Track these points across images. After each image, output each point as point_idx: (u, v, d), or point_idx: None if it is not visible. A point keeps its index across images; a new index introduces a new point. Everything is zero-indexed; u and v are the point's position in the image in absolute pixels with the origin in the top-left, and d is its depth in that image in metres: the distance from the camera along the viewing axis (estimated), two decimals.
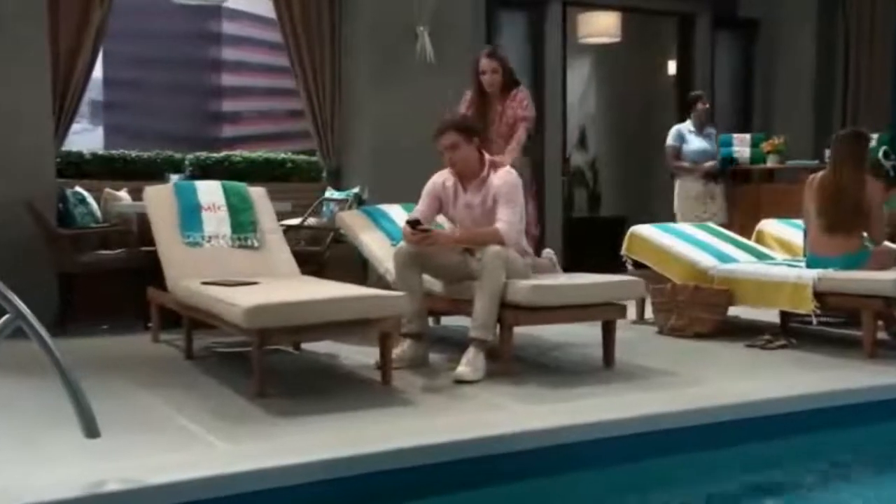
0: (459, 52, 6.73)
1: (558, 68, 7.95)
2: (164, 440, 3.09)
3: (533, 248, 4.69)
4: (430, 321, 5.34)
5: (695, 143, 7.29)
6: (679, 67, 8.89)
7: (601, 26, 8.82)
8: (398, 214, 5.10)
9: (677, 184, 7.37)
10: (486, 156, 4.39)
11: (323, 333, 3.92)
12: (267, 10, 6.91)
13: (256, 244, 4.82)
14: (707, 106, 7.45)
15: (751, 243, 5.90)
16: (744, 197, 7.70)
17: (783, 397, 3.71)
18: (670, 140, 7.32)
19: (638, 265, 5.72)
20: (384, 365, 3.84)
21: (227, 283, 4.14)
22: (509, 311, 4.03)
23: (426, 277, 4.34)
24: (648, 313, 5.52)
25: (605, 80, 10.31)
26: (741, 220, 7.17)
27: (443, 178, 4.45)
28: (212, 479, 2.67)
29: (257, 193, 5.11)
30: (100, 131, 22.09)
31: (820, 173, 5.02)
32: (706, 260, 5.37)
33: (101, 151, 6.66)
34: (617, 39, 8.97)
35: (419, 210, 4.45)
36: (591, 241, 7.89)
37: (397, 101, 6.59)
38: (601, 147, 10.43)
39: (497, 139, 5.02)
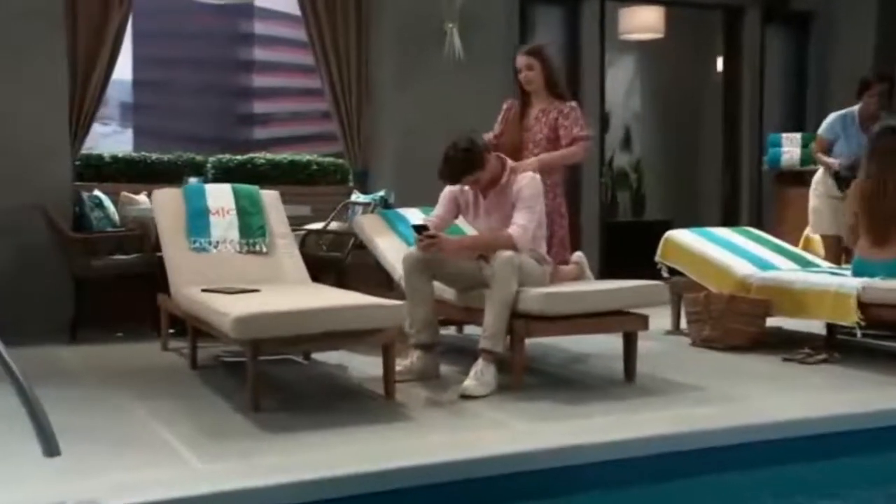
0: (490, 50, 6.50)
1: (596, 66, 7.64)
2: (141, 457, 2.94)
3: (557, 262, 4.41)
4: (452, 330, 5.14)
5: (853, 140, 5.69)
6: (726, 64, 8.51)
7: (643, 22, 8.49)
8: (417, 218, 4.89)
9: (818, 177, 5.94)
10: (508, 161, 4.17)
11: (320, 344, 3.74)
12: (298, 8, 6.73)
13: (265, 249, 4.66)
14: (875, 96, 5.68)
15: (795, 249, 5.56)
16: (793, 201, 7.30)
17: (817, 417, 3.43)
18: (822, 130, 5.88)
19: (674, 272, 5.42)
20: (386, 377, 3.64)
21: (227, 291, 4.00)
22: (520, 321, 3.79)
23: (438, 285, 4.13)
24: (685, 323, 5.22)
25: (650, 78, 9.97)
26: (789, 225, 6.79)
27: None
28: (180, 501, 2.49)
29: (269, 197, 4.95)
30: (129, 133, 22.29)
31: (860, 178, 4.70)
32: (744, 267, 5.05)
33: (121, 154, 6.56)
34: (660, 35, 8.63)
35: (436, 214, 4.30)
36: (633, 247, 7.51)
37: (425, 100, 6.37)
38: (646, 147, 10.08)
39: (530, 145, 4.63)
